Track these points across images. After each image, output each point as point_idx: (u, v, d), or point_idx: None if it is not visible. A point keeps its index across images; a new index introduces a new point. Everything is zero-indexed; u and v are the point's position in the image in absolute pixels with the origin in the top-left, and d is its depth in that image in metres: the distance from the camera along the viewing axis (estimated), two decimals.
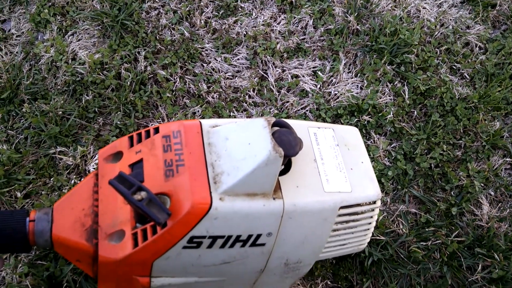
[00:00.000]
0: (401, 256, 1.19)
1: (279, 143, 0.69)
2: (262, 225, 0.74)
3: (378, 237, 1.18)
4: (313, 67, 1.49)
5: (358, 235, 0.87)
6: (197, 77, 1.44)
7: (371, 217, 0.85)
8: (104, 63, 1.43)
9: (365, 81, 1.46)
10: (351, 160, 0.83)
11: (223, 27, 1.55)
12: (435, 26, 1.60)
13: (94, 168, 1.25)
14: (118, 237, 0.71)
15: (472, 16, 1.66)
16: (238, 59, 1.49)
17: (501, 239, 1.22)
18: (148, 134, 0.78)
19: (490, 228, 1.23)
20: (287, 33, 1.54)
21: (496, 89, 1.46)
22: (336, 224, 0.81)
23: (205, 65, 1.47)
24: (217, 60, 1.48)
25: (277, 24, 1.57)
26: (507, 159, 1.37)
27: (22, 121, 1.33)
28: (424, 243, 1.20)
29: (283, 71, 1.48)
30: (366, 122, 1.38)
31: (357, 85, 1.46)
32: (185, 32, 1.52)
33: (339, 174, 0.80)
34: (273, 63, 1.48)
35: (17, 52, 1.47)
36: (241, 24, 1.56)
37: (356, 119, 1.38)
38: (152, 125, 1.35)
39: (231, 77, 1.46)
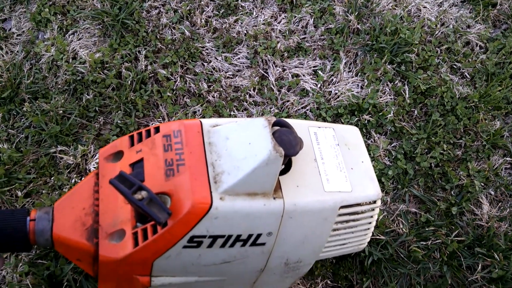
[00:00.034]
0: (401, 256, 1.19)
1: (280, 142, 0.69)
2: (263, 224, 0.74)
3: (378, 237, 1.18)
4: (314, 66, 1.49)
5: (358, 234, 0.87)
6: (197, 76, 1.44)
7: (371, 216, 0.85)
8: (105, 62, 1.43)
9: (365, 80, 1.46)
10: (351, 160, 0.84)
11: (223, 26, 1.55)
12: (436, 25, 1.60)
13: (94, 168, 1.25)
14: (118, 237, 0.71)
15: (473, 15, 1.66)
16: (239, 58, 1.49)
17: (501, 239, 1.22)
18: (148, 134, 0.78)
19: (490, 228, 1.23)
20: (287, 32, 1.54)
21: (497, 89, 1.46)
22: (336, 223, 0.81)
23: (205, 64, 1.47)
24: (217, 59, 1.48)
25: (278, 23, 1.57)
26: (507, 159, 1.37)
27: (22, 120, 1.33)
28: (424, 243, 1.20)
29: (284, 70, 1.48)
30: (366, 121, 1.38)
31: (358, 85, 1.46)
32: (186, 31, 1.52)
33: (339, 174, 0.80)
34: (274, 62, 1.48)
35: (17, 51, 1.47)
36: (241, 23, 1.55)
37: (357, 119, 1.38)
38: (152, 124, 1.36)
39: (231, 76, 1.46)
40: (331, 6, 1.60)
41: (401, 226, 1.23)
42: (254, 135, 0.70)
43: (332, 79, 1.46)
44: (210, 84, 1.44)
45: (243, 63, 1.49)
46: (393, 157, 1.34)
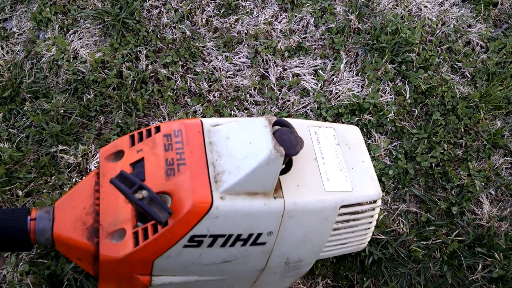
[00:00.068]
0: (402, 255, 1.19)
1: (280, 142, 0.69)
2: (263, 224, 0.74)
3: (378, 236, 1.18)
4: (314, 66, 1.49)
5: (359, 234, 0.87)
6: (198, 76, 1.44)
7: (372, 216, 0.85)
8: (106, 62, 1.43)
9: (366, 80, 1.46)
10: (352, 159, 0.84)
11: (224, 26, 1.55)
12: (437, 25, 1.60)
13: (95, 167, 1.25)
14: (119, 236, 0.71)
15: (474, 15, 1.66)
16: (239, 57, 1.49)
17: (502, 239, 1.22)
18: (149, 133, 0.78)
19: (491, 228, 1.23)
20: (288, 31, 1.54)
21: (497, 88, 1.46)
22: (337, 223, 0.81)
23: (206, 63, 1.48)
24: (218, 59, 1.48)
25: (278, 22, 1.57)
26: (508, 158, 1.37)
27: (23, 119, 1.34)
28: (425, 242, 1.20)
29: (284, 70, 1.48)
30: (367, 121, 1.38)
31: (358, 84, 1.46)
32: (186, 30, 1.52)
33: (339, 173, 0.80)
34: (274, 62, 1.48)
35: (18, 51, 1.47)
36: (242, 22, 1.55)
37: (357, 118, 1.38)
38: (153, 124, 1.36)
39: (232, 76, 1.46)
40: (331, 5, 1.60)
41: (402, 225, 1.23)
42: (255, 134, 0.70)
43: (333, 79, 1.46)
44: (210, 83, 1.44)
45: (244, 62, 1.49)
46: (394, 156, 1.34)
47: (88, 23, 1.52)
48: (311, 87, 1.44)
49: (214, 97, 1.40)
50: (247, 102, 1.41)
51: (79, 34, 1.50)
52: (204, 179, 0.70)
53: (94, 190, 0.77)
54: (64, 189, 1.22)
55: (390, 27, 1.52)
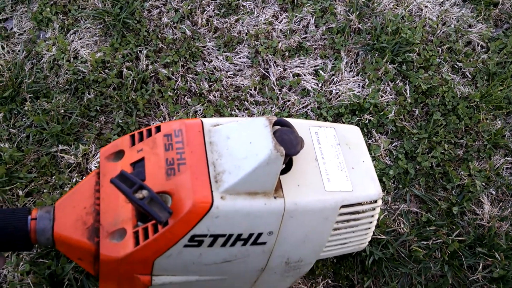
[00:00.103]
0: (402, 255, 1.19)
1: (280, 142, 0.69)
2: (263, 224, 0.74)
3: (379, 236, 1.18)
4: (315, 66, 1.49)
5: (359, 234, 0.87)
6: (198, 76, 1.44)
7: (372, 216, 0.85)
8: (106, 62, 1.43)
9: (366, 80, 1.46)
10: (352, 159, 0.84)
11: (224, 26, 1.55)
12: (437, 25, 1.60)
13: (95, 167, 1.25)
14: (119, 236, 0.71)
15: (474, 15, 1.66)
16: (240, 57, 1.49)
17: (502, 239, 1.22)
18: (149, 133, 0.78)
19: (491, 228, 1.23)
20: (288, 31, 1.54)
21: (498, 88, 1.46)
22: (337, 223, 0.81)
23: (206, 63, 1.48)
24: (218, 59, 1.48)
25: (279, 22, 1.57)
26: (509, 158, 1.37)
27: (24, 119, 1.34)
28: (425, 242, 1.20)
29: (285, 69, 1.48)
30: (367, 121, 1.38)
31: (359, 84, 1.46)
32: (187, 30, 1.52)
33: (340, 173, 0.80)
34: (275, 62, 1.48)
35: (19, 51, 1.47)
36: (242, 22, 1.56)
37: (358, 118, 1.38)
38: (153, 123, 1.36)
39: (232, 75, 1.46)
40: (332, 5, 1.60)
41: (402, 225, 1.23)
42: (255, 134, 0.70)
43: (333, 79, 1.46)
44: (211, 83, 1.44)
45: (244, 62, 1.49)
46: (394, 156, 1.34)
47: (89, 23, 1.52)
48: (311, 87, 1.44)
49: (215, 97, 1.40)
50: (247, 102, 1.41)
51: (79, 34, 1.50)
52: (205, 179, 0.70)
53: (94, 190, 0.77)
54: (65, 189, 1.22)
55: (391, 27, 1.52)
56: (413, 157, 1.35)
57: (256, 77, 1.45)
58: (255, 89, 1.43)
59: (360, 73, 1.48)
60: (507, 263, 1.17)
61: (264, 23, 1.55)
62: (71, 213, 0.74)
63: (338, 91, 1.43)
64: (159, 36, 1.51)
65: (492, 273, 1.16)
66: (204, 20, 1.55)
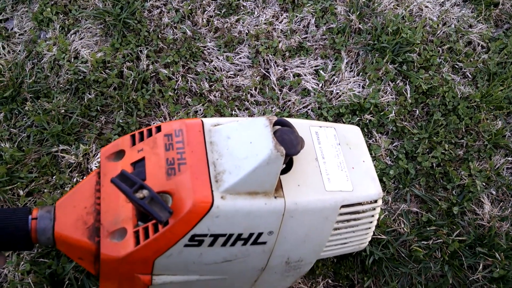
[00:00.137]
0: (402, 255, 1.19)
1: (281, 142, 0.69)
2: (264, 223, 0.74)
3: (379, 236, 1.18)
4: (315, 66, 1.49)
5: (359, 234, 0.87)
6: (199, 76, 1.44)
7: (372, 216, 0.85)
8: (107, 62, 1.43)
9: (367, 80, 1.46)
10: (352, 159, 0.84)
11: (225, 26, 1.55)
12: (438, 25, 1.60)
13: (96, 167, 1.25)
14: (120, 235, 0.71)
15: (475, 15, 1.66)
16: (240, 57, 1.49)
17: (503, 239, 1.22)
18: (150, 133, 0.79)
19: (492, 228, 1.23)
20: (289, 31, 1.54)
21: (498, 88, 1.46)
22: (337, 223, 0.81)
23: (207, 63, 1.48)
24: (219, 59, 1.48)
25: (279, 22, 1.57)
26: (509, 159, 1.37)
27: (24, 119, 1.34)
28: (425, 242, 1.20)
29: (285, 70, 1.48)
30: (368, 121, 1.38)
31: (359, 84, 1.46)
32: (187, 30, 1.52)
33: (340, 173, 0.80)
34: (275, 62, 1.49)
35: (19, 51, 1.47)
36: (243, 22, 1.56)
37: (358, 118, 1.38)
38: (154, 123, 1.36)
39: (233, 75, 1.46)
40: (332, 5, 1.60)
41: (402, 225, 1.23)
42: (255, 134, 0.70)
43: (334, 79, 1.46)
44: (211, 83, 1.44)
45: (245, 62, 1.49)
46: (395, 156, 1.34)
47: (89, 23, 1.52)
48: (312, 87, 1.44)
49: (215, 97, 1.41)
50: (248, 102, 1.41)
51: (80, 34, 1.51)
52: (205, 179, 0.70)
53: (95, 190, 0.77)
54: (65, 188, 1.22)
55: (391, 27, 1.52)
56: (414, 157, 1.35)
57: (256, 77, 1.45)
58: (255, 89, 1.43)
59: (361, 73, 1.48)
60: (507, 263, 1.17)
61: (265, 23, 1.55)
62: (71, 213, 0.75)
63: (338, 91, 1.43)
64: (159, 36, 1.51)
65: (492, 273, 1.16)
66: (204, 20, 1.55)
